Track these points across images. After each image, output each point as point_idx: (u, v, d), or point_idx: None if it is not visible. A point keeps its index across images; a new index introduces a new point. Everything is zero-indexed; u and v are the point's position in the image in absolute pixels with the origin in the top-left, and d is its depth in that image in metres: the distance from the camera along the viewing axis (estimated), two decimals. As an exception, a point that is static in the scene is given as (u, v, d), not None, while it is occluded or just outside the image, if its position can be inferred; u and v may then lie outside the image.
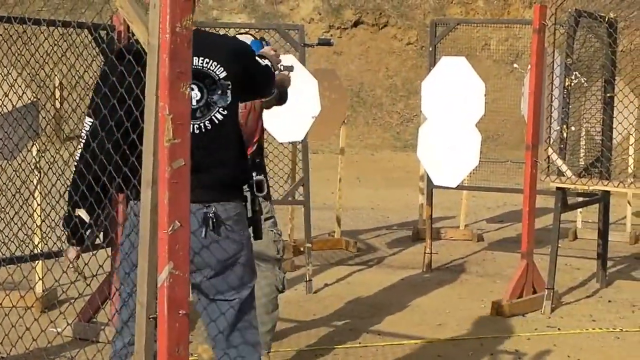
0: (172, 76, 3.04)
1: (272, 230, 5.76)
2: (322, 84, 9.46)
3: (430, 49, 9.08)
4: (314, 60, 22.34)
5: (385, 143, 20.10)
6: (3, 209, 5.12)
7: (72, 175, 4.06)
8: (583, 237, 10.46)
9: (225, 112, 3.96)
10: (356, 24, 23.05)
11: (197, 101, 3.91)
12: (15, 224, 5.07)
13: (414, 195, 11.83)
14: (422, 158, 8.85)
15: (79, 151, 4.09)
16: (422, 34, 21.94)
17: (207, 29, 5.20)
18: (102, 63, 3.97)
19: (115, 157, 3.49)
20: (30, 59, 5.29)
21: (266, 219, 5.73)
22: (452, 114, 8.58)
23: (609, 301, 7.84)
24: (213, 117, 3.93)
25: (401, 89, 21.95)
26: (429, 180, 8.97)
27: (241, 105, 5.89)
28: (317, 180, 10.73)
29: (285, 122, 7.99)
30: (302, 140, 8.17)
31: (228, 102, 3.96)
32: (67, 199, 3.99)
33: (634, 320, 7.17)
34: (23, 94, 5.82)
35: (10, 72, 5.64)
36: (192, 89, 3.89)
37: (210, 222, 3.85)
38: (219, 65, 3.93)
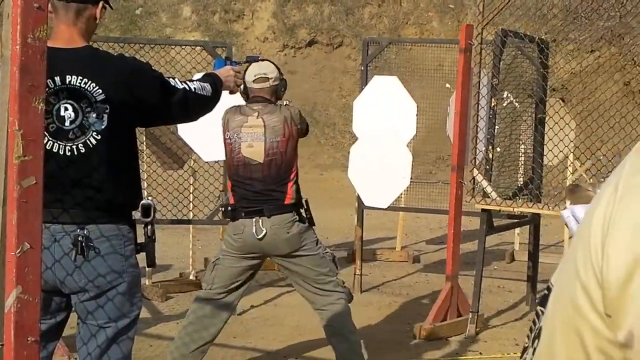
0: (23, 90, 2.90)
1: (325, 252, 6.04)
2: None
3: (362, 67, 8.99)
4: (268, 79, 22.24)
5: (336, 163, 19.98)
6: None
7: None
8: (520, 259, 10.35)
9: (99, 137, 3.73)
10: (310, 43, 22.99)
11: (71, 122, 3.72)
12: None
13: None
14: (353, 178, 8.73)
15: None
16: (376, 54, 21.91)
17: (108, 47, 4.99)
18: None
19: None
20: None
21: (316, 242, 5.99)
22: (384, 133, 8.48)
23: (536, 324, 7.73)
24: (87, 141, 3.73)
25: (354, 109, 21.87)
26: (360, 201, 8.86)
27: (280, 134, 5.83)
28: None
29: (211, 141, 7.87)
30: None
31: (103, 127, 3.73)
32: None
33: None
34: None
35: None
36: (67, 109, 3.76)
37: (79, 244, 3.70)
38: (97, 87, 3.71)
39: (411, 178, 8.78)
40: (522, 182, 8.16)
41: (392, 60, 18.22)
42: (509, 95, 8.15)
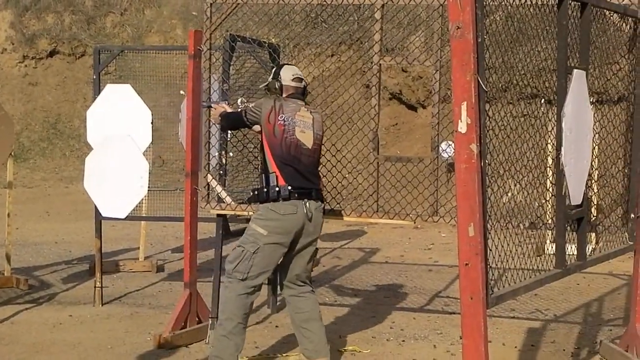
0: None
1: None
2: (-15, 115, 9.05)
3: (95, 76, 8.82)
4: (8, 90, 21.59)
5: (81, 175, 19.58)
6: None
7: None
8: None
9: None
10: (52, 53, 22.44)
11: None
12: None
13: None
14: (89, 189, 8.57)
15: None
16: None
17: None
18: None
19: None
20: None
21: None
22: (119, 142, 8.35)
23: (277, 326, 7.82)
24: None
25: (99, 120, 21.50)
26: (98, 212, 8.69)
27: (321, 130, 6.50)
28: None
29: None
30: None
31: None
32: None
33: (294, 344, 7.12)
34: None
35: None
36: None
37: None
38: None
39: (150, 187, 8.72)
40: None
41: (137, 68, 17.94)
42: (243, 100, 8.20)
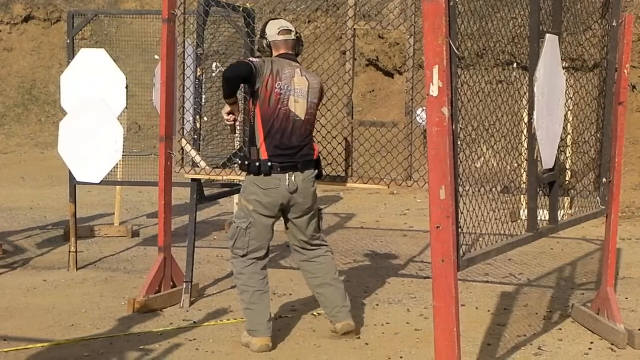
0: None
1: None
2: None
3: (68, 41, 8.78)
4: (-17, 57, 21.43)
5: (57, 141, 19.54)
6: None
7: None
8: (240, 227, 10.42)
9: None
10: (27, 19, 22.31)
11: None
12: None
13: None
14: (63, 154, 8.56)
15: None
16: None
17: None
18: None
19: None
20: None
21: None
22: (93, 107, 8.34)
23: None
24: None
25: (75, 85, 21.43)
26: (72, 177, 8.69)
27: (317, 97, 6.13)
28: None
29: None
30: None
31: None
32: None
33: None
34: None
35: None
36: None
37: None
38: None
39: (125, 152, 8.72)
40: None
41: (113, 34, 17.86)
42: (217, 64, 8.18)
